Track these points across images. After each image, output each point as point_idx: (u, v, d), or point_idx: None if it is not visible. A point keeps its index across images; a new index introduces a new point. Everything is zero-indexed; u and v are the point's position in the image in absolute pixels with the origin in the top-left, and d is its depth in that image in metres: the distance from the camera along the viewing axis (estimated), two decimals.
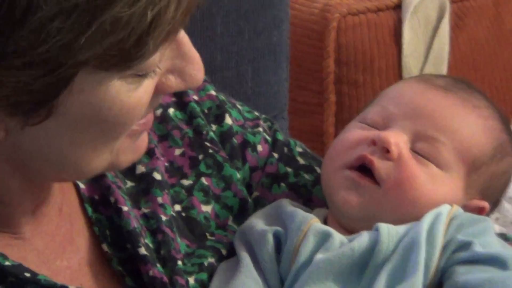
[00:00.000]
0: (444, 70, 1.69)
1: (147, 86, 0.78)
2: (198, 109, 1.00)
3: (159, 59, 0.78)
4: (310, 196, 1.00)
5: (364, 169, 0.90)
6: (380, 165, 0.90)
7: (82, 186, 0.91)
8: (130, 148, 0.83)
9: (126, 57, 0.74)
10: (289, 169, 1.02)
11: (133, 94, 0.77)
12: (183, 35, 0.80)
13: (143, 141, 0.86)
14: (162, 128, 0.98)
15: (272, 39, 1.42)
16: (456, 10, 1.69)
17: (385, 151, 0.90)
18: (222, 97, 1.02)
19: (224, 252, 0.94)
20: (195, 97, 1.00)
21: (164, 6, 0.73)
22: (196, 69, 0.80)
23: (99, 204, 0.92)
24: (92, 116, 0.78)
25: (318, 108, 1.68)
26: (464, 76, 1.65)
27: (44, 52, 0.72)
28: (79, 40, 0.72)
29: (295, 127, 1.57)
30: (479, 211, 0.94)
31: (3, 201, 0.83)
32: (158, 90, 0.80)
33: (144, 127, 0.84)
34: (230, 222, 0.97)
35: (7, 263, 0.80)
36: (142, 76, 0.77)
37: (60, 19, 0.71)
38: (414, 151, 0.91)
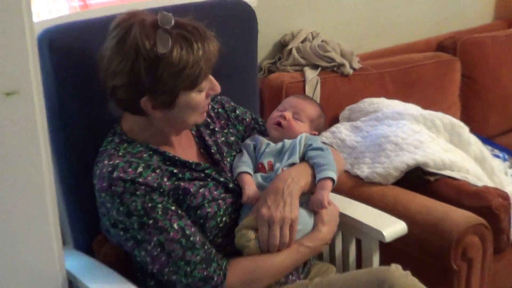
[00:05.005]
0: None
1: (203, 94, 1.47)
2: (228, 109, 1.76)
3: (205, 85, 1.44)
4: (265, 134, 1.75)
5: (279, 124, 1.74)
6: (283, 123, 1.74)
7: (193, 132, 1.64)
8: (201, 117, 1.51)
9: (194, 84, 1.43)
10: (257, 125, 1.79)
11: (199, 97, 1.46)
12: (210, 76, 1.46)
13: (204, 116, 1.54)
14: (217, 115, 1.74)
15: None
16: (322, 81, 2.48)
17: (284, 118, 1.74)
18: (235, 105, 1.79)
19: (238, 151, 1.72)
20: (227, 105, 1.77)
21: (200, 68, 1.40)
22: (217, 87, 1.50)
23: (199, 137, 1.65)
24: (188, 105, 1.45)
25: None
26: (324, 103, 2.35)
27: (167, 88, 1.40)
28: (179, 82, 1.39)
29: None
30: (315, 135, 1.77)
31: (164, 132, 1.53)
32: (206, 96, 1.48)
33: (204, 110, 1.51)
34: (240, 143, 1.74)
35: (171, 154, 1.52)
36: (201, 91, 1.46)
37: (171, 76, 1.38)
38: (293, 118, 1.75)
